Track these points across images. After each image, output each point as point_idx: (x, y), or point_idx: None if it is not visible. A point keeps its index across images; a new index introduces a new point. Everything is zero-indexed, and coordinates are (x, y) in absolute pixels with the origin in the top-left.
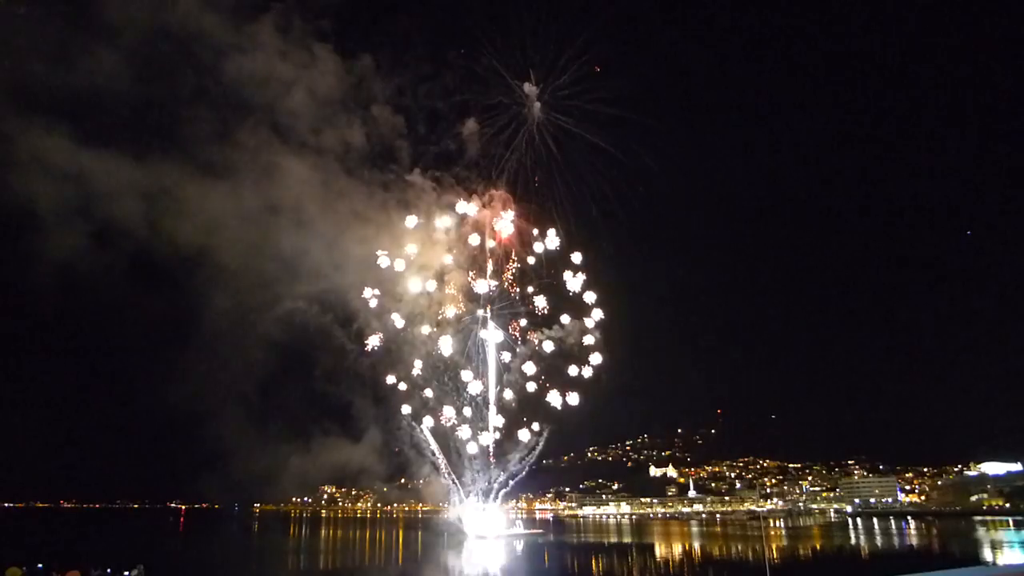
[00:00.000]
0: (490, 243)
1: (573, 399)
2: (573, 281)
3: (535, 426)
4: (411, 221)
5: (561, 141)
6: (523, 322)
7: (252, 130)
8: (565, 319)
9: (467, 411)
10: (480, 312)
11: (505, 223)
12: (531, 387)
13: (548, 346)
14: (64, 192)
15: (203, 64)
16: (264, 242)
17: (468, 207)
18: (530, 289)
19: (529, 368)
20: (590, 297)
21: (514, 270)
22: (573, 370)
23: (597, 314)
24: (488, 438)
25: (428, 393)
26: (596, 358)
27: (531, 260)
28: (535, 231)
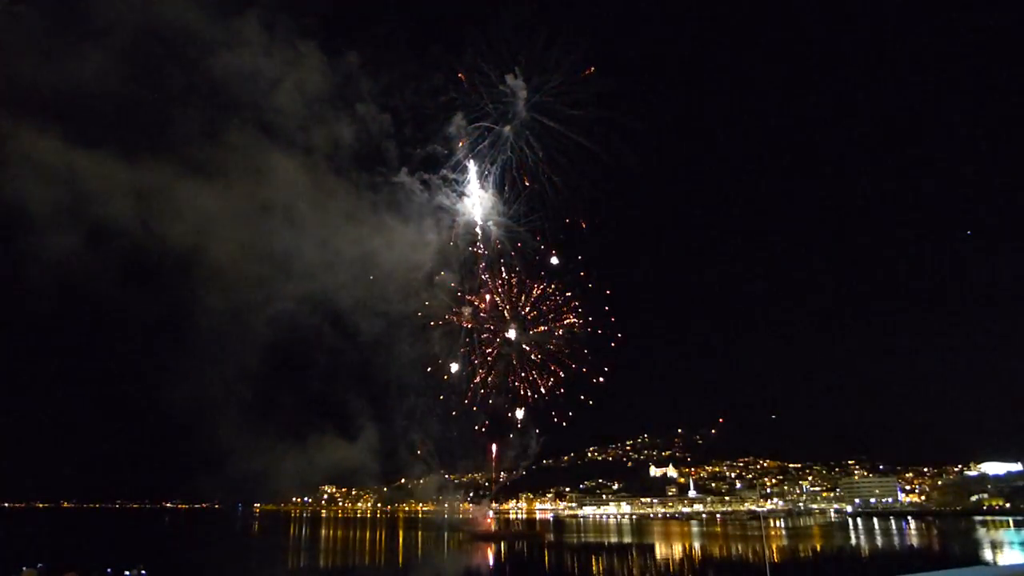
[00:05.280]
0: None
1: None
2: (563, 281)
3: (530, 432)
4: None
5: (546, 141)
6: (512, 326)
7: (240, 128)
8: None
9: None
10: (468, 311)
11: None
12: (525, 387)
13: (538, 346)
14: (56, 192)
15: (190, 62)
16: (255, 242)
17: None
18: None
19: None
20: (583, 297)
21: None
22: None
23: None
24: (480, 438)
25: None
26: (588, 358)
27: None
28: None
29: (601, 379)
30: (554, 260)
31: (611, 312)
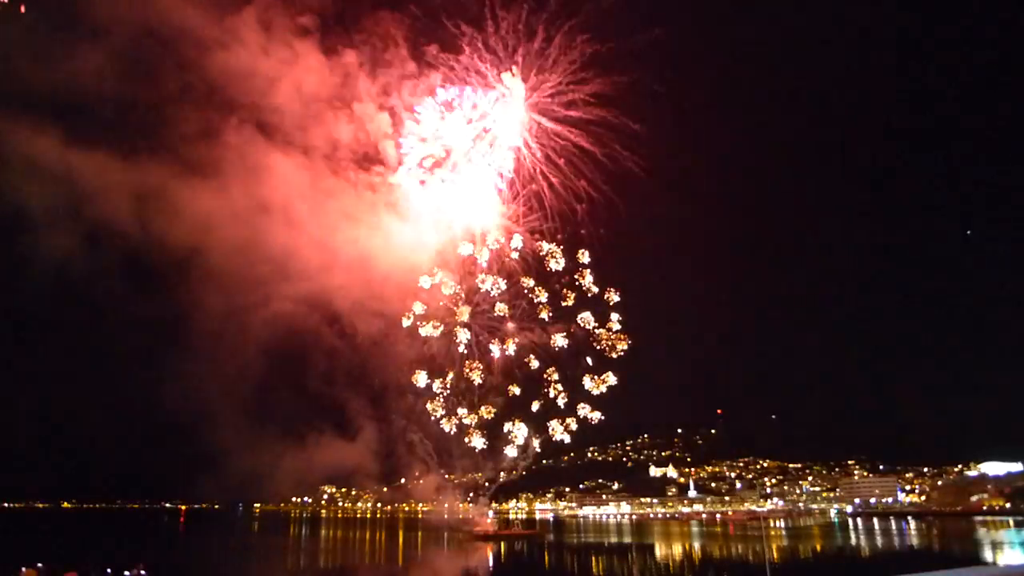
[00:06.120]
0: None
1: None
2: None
3: (529, 433)
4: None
5: (544, 141)
6: (511, 327)
7: (238, 128)
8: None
9: (460, 411)
10: (465, 311)
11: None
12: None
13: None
14: (54, 192)
15: (187, 61)
16: (253, 242)
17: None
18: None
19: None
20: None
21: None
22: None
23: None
24: (479, 440)
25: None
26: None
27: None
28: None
29: (603, 388)
30: (553, 264)
31: (612, 314)
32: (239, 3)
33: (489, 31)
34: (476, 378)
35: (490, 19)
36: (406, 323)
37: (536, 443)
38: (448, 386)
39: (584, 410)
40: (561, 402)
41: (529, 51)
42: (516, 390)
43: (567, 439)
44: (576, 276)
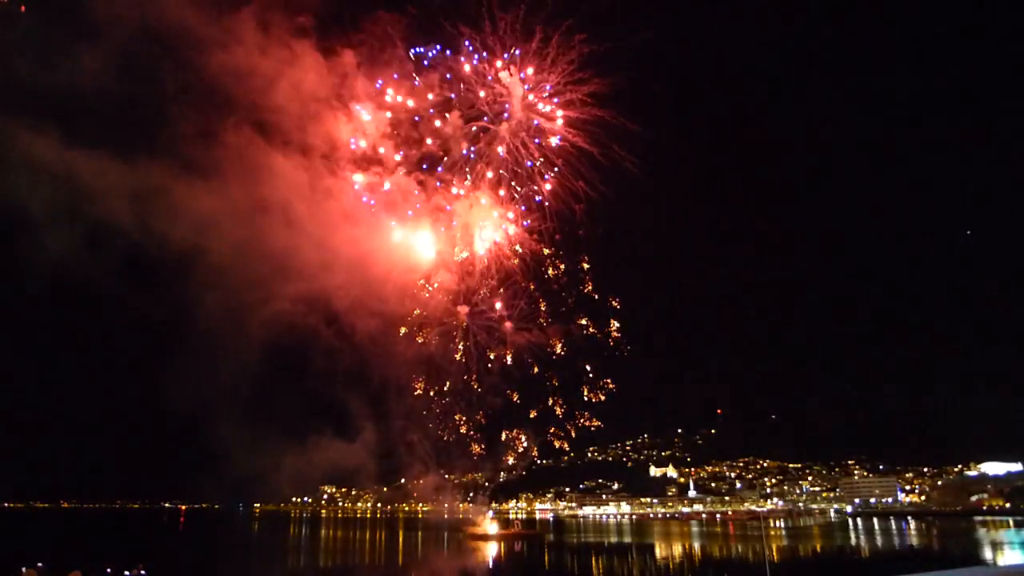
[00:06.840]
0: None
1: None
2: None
3: (528, 434)
4: None
5: (542, 141)
6: (510, 328)
7: (236, 128)
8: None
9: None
10: (463, 309)
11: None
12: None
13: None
14: (54, 193)
15: (185, 61)
16: (253, 242)
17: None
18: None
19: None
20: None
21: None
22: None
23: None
24: (477, 445)
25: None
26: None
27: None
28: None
29: (602, 396)
30: (551, 268)
31: (612, 315)
32: (238, 3)
33: (487, 31)
34: (475, 385)
35: (488, 19)
36: (405, 331)
37: (535, 447)
38: (448, 390)
39: (583, 418)
40: (559, 410)
41: (527, 51)
42: (516, 399)
43: (566, 445)
44: (574, 280)
